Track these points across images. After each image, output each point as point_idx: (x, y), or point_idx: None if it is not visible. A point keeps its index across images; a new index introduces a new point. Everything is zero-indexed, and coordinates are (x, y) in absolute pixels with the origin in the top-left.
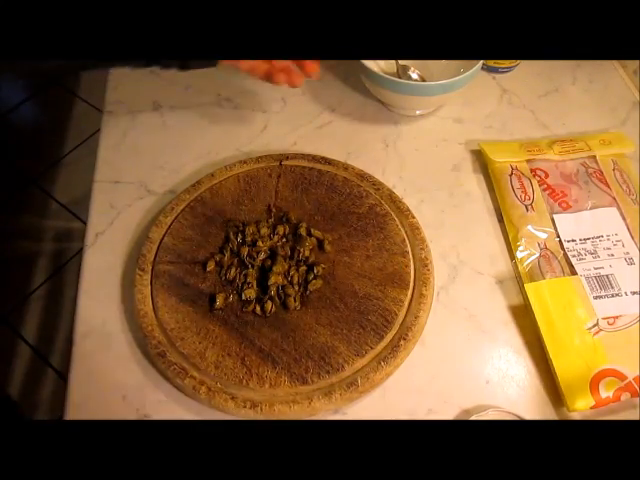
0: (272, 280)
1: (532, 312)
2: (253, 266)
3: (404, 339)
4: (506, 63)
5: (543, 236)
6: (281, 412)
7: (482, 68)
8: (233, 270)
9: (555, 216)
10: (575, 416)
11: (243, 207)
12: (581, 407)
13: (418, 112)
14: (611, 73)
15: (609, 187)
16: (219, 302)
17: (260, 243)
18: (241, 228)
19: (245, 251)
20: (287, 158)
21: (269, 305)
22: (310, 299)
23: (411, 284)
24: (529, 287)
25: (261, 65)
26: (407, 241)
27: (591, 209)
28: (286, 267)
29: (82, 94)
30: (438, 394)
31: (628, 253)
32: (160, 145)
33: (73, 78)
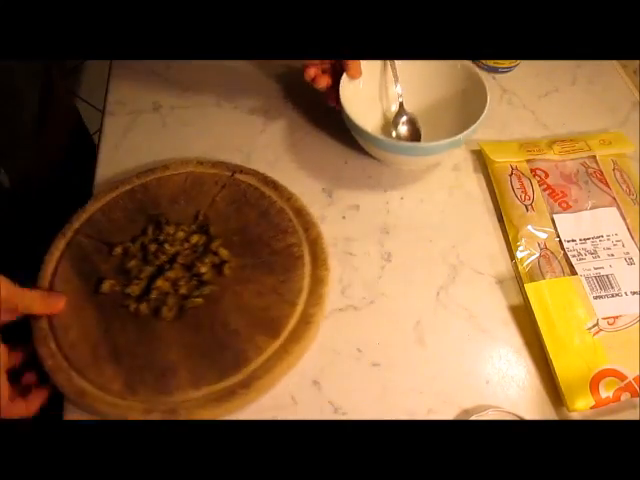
0: (158, 283)
1: (532, 312)
2: (153, 264)
3: (245, 388)
4: (506, 63)
5: (543, 236)
6: (97, 410)
7: (482, 68)
8: (134, 262)
9: (555, 216)
10: (575, 416)
11: (177, 206)
12: (581, 407)
13: (409, 167)
14: (611, 73)
15: (609, 187)
16: (104, 287)
17: (167, 246)
18: (162, 225)
19: (153, 248)
20: (241, 172)
21: (144, 306)
22: (185, 315)
23: (282, 337)
24: (529, 287)
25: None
26: (304, 293)
27: (591, 209)
28: (179, 276)
29: (82, 94)
30: (438, 394)
31: (628, 253)
32: (160, 145)
33: (73, 78)
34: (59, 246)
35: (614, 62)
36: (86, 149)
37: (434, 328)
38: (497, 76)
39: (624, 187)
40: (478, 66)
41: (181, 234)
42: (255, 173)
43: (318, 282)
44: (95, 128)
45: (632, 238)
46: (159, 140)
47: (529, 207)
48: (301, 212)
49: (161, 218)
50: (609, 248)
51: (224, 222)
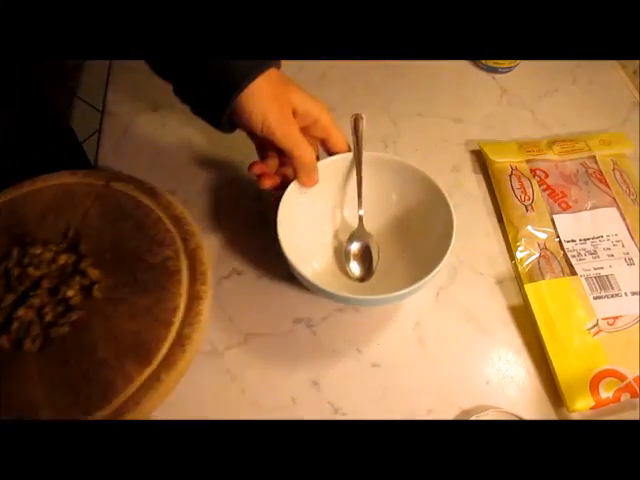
0: (20, 312)
1: (532, 312)
2: (17, 291)
3: None
4: (506, 63)
5: (543, 236)
6: None
7: (482, 68)
8: None
9: (555, 216)
10: (575, 416)
11: (45, 222)
12: (581, 407)
13: None
14: (611, 73)
15: (609, 187)
16: None
17: (31, 269)
18: (26, 246)
19: (16, 272)
20: (117, 180)
21: (4, 340)
22: (50, 346)
23: (155, 363)
24: (529, 287)
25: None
26: (180, 312)
27: (591, 209)
28: (45, 302)
29: (82, 94)
30: (438, 394)
31: (628, 253)
32: (160, 145)
33: (73, 78)
34: None
35: (614, 62)
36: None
37: (434, 328)
38: (497, 76)
39: (624, 187)
40: (478, 66)
41: (48, 255)
42: (132, 180)
43: (195, 299)
44: (94, 128)
45: (632, 238)
46: (159, 140)
47: (529, 207)
48: (180, 221)
49: (26, 238)
50: (609, 248)
51: (96, 237)
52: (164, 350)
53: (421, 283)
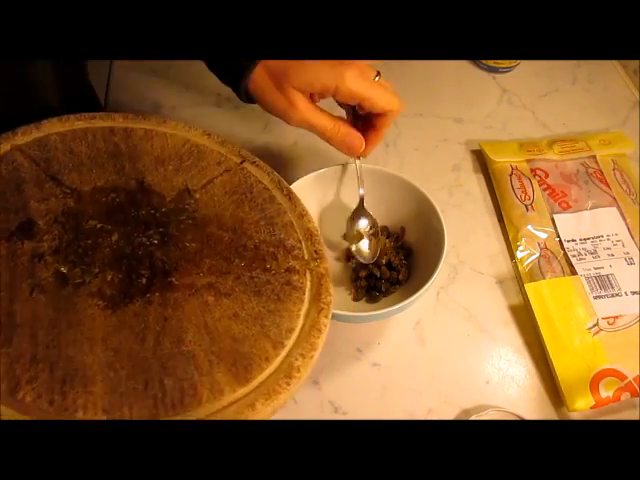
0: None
1: (532, 312)
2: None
3: None
4: (506, 63)
5: (543, 236)
6: None
7: (482, 68)
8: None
9: (555, 216)
10: (575, 416)
11: (162, 170)
12: (581, 407)
13: None
14: (611, 73)
15: (609, 187)
16: (35, 233)
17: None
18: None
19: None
20: (253, 163)
21: (63, 267)
22: (126, 310)
23: (251, 386)
24: (529, 287)
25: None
26: (294, 336)
27: (591, 209)
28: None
29: None
30: (438, 394)
31: (628, 253)
32: None
33: None
34: None
35: (614, 62)
36: None
37: (434, 328)
38: (497, 76)
39: (624, 187)
40: (478, 66)
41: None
42: (269, 171)
43: (314, 328)
44: None
45: (632, 238)
46: None
47: (529, 207)
48: (313, 237)
49: (132, 174)
50: (609, 248)
51: (216, 213)
52: (266, 374)
53: (406, 302)
